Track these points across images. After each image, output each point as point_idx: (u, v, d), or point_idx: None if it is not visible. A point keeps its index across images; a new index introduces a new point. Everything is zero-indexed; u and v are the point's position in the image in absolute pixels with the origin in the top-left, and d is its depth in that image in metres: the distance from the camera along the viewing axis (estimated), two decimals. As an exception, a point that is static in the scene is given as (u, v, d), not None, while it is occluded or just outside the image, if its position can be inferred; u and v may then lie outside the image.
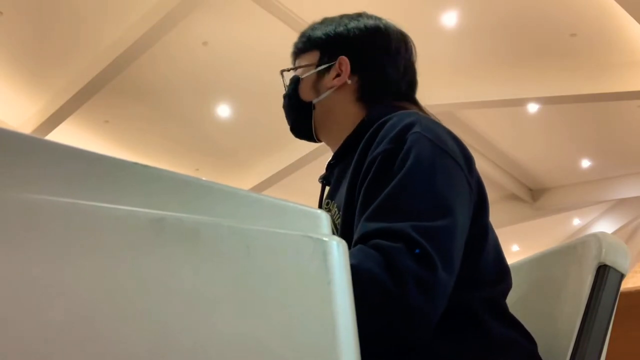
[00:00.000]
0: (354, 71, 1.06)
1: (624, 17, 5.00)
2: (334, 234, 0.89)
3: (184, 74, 5.82)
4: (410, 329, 0.72)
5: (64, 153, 0.37)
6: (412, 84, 1.11)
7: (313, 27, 1.12)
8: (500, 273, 0.92)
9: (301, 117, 1.10)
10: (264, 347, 0.38)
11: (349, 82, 1.05)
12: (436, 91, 5.58)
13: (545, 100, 6.25)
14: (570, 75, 5.92)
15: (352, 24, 1.08)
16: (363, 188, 0.84)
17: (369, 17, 1.10)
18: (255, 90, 6.01)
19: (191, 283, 0.37)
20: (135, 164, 0.39)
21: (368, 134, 0.92)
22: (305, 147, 6.58)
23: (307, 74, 1.09)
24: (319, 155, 6.56)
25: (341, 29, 1.08)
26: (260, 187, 7.34)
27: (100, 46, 5.29)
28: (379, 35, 1.08)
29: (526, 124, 7.04)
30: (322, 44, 1.09)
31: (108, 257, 0.35)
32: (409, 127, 0.86)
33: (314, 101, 1.08)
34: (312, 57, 1.10)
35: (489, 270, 0.90)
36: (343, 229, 0.89)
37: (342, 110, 1.06)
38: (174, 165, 7.12)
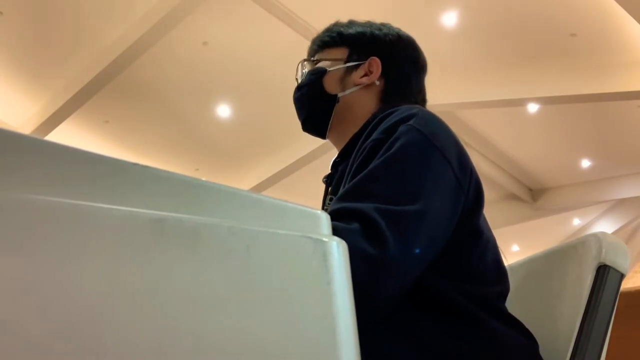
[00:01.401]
0: (381, 74, 1.09)
1: (624, 17, 5.00)
2: None
3: (184, 74, 5.82)
4: (361, 305, 0.71)
5: (64, 153, 0.37)
6: (424, 102, 1.16)
7: (343, 25, 1.14)
8: (499, 275, 0.92)
9: (320, 108, 1.10)
10: (264, 347, 0.38)
11: (377, 83, 1.08)
12: (436, 91, 5.56)
13: (545, 100, 6.25)
14: (570, 75, 5.92)
15: (386, 30, 1.13)
16: (349, 177, 0.86)
17: (394, 28, 1.16)
18: (255, 90, 6.01)
19: (191, 283, 0.37)
20: (136, 164, 0.39)
21: (371, 125, 0.93)
22: (306, 147, 6.58)
23: (335, 67, 1.10)
24: (319, 156, 6.56)
25: (377, 32, 1.12)
26: (260, 187, 7.34)
27: (101, 46, 5.29)
28: (411, 47, 1.14)
29: (526, 124, 7.03)
30: (354, 42, 1.11)
31: (108, 257, 0.35)
32: (405, 119, 0.87)
33: (340, 94, 1.08)
34: (341, 52, 1.11)
35: (487, 270, 0.90)
36: None
37: (363, 109, 1.07)
38: (174, 165, 7.12)
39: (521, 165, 8.07)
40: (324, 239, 0.42)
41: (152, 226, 0.37)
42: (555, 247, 1.02)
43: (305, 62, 1.15)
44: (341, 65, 1.10)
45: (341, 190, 0.93)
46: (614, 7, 4.84)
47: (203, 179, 0.42)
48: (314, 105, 1.11)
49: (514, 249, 10.39)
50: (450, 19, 5.32)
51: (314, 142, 6.25)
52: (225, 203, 0.41)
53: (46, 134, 6.04)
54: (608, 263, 0.87)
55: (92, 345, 0.34)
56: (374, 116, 1.00)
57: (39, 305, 0.33)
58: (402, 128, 0.85)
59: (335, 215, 0.75)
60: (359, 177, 0.80)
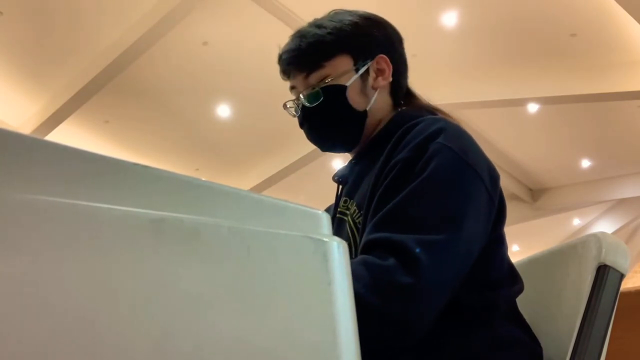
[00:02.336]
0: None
1: (624, 17, 5.00)
2: (353, 233, 0.90)
3: (184, 74, 5.82)
4: (398, 339, 0.75)
5: (64, 153, 0.37)
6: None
7: (319, 33, 1.00)
8: (514, 276, 0.94)
9: (353, 129, 1.00)
10: (264, 348, 0.38)
11: (390, 79, 1.02)
12: (436, 91, 5.56)
13: (545, 100, 6.25)
14: (570, 75, 5.92)
15: (373, 19, 1.03)
16: (378, 193, 0.84)
17: (362, 13, 1.05)
18: (255, 90, 6.01)
19: (191, 284, 0.37)
20: (136, 164, 0.39)
21: (396, 135, 0.91)
22: (306, 147, 6.57)
23: (351, 80, 0.98)
24: (319, 156, 6.56)
25: (370, 27, 1.02)
26: (260, 187, 7.34)
27: (100, 46, 5.29)
28: (400, 43, 1.06)
29: (526, 124, 7.03)
30: (353, 45, 1.00)
31: (108, 257, 0.35)
32: (435, 135, 0.85)
33: (368, 108, 0.99)
34: (344, 62, 0.99)
35: (505, 273, 0.91)
36: (364, 230, 0.88)
37: (381, 109, 1.02)
38: (174, 165, 7.12)
39: (521, 165, 8.06)
40: (325, 239, 0.42)
41: (152, 226, 0.37)
42: (555, 247, 1.02)
43: (305, 90, 0.99)
44: (355, 76, 0.99)
45: (358, 197, 0.93)
46: (614, 7, 4.84)
47: (203, 179, 0.42)
48: (346, 127, 1.00)
49: (514, 249, 10.39)
50: (450, 19, 5.32)
51: (314, 142, 6.24)
52: (225, 203, 0.41)
53: (46, 134, 6.04)
54: (608, 263, 0.87)
55: (91, 345, 0.34)
56: (395, 122, 0.98)
57: (38, 305, 0.33)
58: (433, 146, 0.84)
59: (371, 245, 0.78)
60: (395, 202, 0.80)
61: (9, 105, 6.02)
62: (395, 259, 0.74)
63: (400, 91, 1.05)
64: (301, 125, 1.03)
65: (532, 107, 6.56)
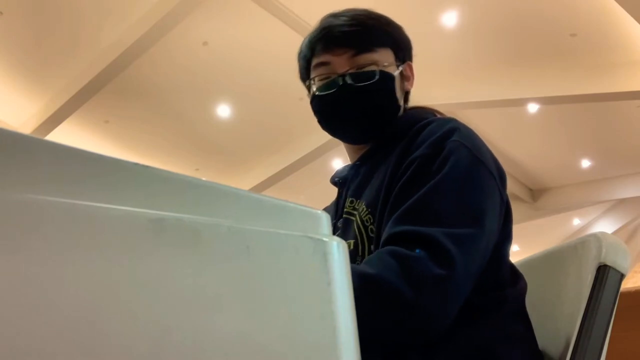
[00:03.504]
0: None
1: (624, 17, 5.00)
2: (361, 232, 0.90)
3: (184, 74, 5.82)
4: (423, 332, 0.76)
5: (64, 153, 0.37)
6: None
7: (380, 21, 1.02)
8: (515, 273, 0.95)
9: (383, 119, 1.00)
10: (264, 348, 0.38)
11: (411, 87, 1.07)
12: (436, 91, 5.58)
13: (545, 100, 6.25)
14: (570, 75, 5.92)
15: (407, 37, 1.07)
16: (396, 189, 0.86)
17: None
18: (255, 90, 6.01)
19: (191, 283, 0.37)
20: (136, 164, 0.39)
21: (408, 136, 0.93)
22: (306, 147, 6.58)
23: (396, 73, 1.01)
24: (318, 156, 6.56)
25: (404, 33, 1.06)
26: (260, 187, 7.35)
27: (100, 46, 5.29)
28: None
29: (526, 124, 7.04)
30: (396, 44, 1.03)
31: (108, 257, 0.35)
32: (449, 133, 0.88)
33: (401, 104, 1.03)
34: (389, 55, 1.01)
35: (506, 273, 0.92)
36: (379, 228, 0.89)
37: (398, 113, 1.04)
38: (174, 165, 7.12)
39: (521, 165, 8.07)
40: (324, 239, 0.42)
41: (152, 226, 0.37)
42: (555, 247, 1.02)
43: (352, 68, 0.97)
44: (397, 71, 1.01)
45: (367, 196, 0.93)
46: (614, 7, 4.84)
47: (203, 179, 0.42)
48: (382, 115, 1.00)
49: (514, 249, 10.39)
50: (450, 19, 5.32)
51: (314, 142, 6.25)
52: (225, 203, 0.41)
53: (46, 134, 6.04)
54: (608, 263, 0.87)
55: (91, 345, 0.34)
56: (403, 124, 0.98)
57: (38, 305, 0.33)
58: (450, 144, 0.86)
59: (396, 238, 0.78)
60: (417, 197, 0.81)
61: (9, 105, 6.02)
62: (424, 251, 0.75)
63: (407, 100, 1.08)
64: (328, 104, 1.00)
65: (532, 107, 6.56)
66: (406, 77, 1.05)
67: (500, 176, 0.90)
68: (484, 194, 0.84)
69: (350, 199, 1.00)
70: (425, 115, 0.99)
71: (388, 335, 0.75)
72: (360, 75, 0.97)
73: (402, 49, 1.04)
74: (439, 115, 1.02)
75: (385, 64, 0.99)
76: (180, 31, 5.09)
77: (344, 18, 1.00)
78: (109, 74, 5.39)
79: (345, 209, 1.00)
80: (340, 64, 0.98)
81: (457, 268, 0.75)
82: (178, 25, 4.96)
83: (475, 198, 0.83)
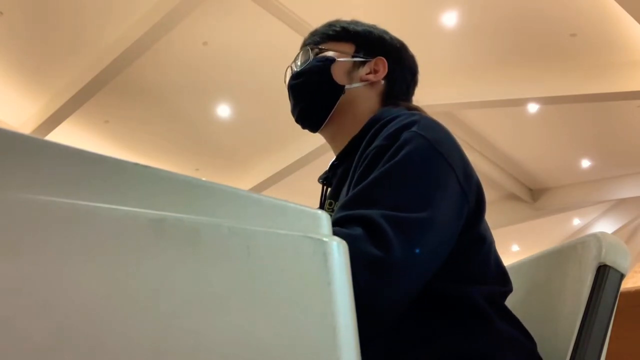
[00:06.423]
0: (385, 75, 1.10)
1: (624, 17, 5.00)
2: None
3: (184, 74, 5.82)
4: (363, 318, 0.71)
5: (64, 153, 0.37)
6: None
7: (347, 22, 1.14)
8: (502, 275, 0.93)
9: (325, 97, 1.07)
10: (264, 348, 0.38)
11: (382, 82, 1.09)
12: (436, 91, 5.58)
13: (545, 100, 6.25)
14: (570, 75, 5.92)
15: (391, 36, 1.14)
16: (353, 182, 0.85)
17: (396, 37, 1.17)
18: (255, 90, 6.02)
19: (191, 283, 0.37)
20: (136, 164, 0.39)
21: (371, 132, 0.92)
22: (306, 147, 6.58)
23: (343, 59, 1.09)
24: (318, 156, 6.56)
25: (384, 34, 1.13)
26: (260, 187, 7.35)
27: (101, 46, 5.29)
28: (409, 57, 1.15)
29: (526, 124, 7.03)
30: (361, 39, 1.11)
31: (108, 257, 0.35)
32: (408, 126, 0.86)
33: (347, 86, 1.07)
34: (347, 47, 1.10)
35: (491, 273, 0.91)
36: None
37: (364, 107, 1.07)
38: (174, 165, 7.12)
39: (521, 165, 8.06)
40: (324, 239, 0.42)
41: (152, 226, 0.37)
42: (555, 247, 1.02)
43: (308, 48, 1.11)
44: (349, 59, 1.09)
45: (342, 198, 0.93)
46: (614, 7, 4.84)
47: (203, 179, 0.42)
48: (319, 93, 1.08)
49: (514, 249, 10.39)
50: (450, 19, 5.32)
51: (314, 142, 6.25)
52: (225, 203, 0.41)
53: (46, 134, 6.04)
54: (608, 263, 0.87)
55: (91, 345, 0.34)
56: (374, 120, 0.99)
57: (38, 305, 0.33)
58: (405, 135, 0.84)
59: (339, 222, 0.75)
60: (363, 184, 0.79)
61: (9, 105, 6.02)
62: (362, 230, 0.71)
63: (391, 98, 1.09)
64: (288, 94, 1.11)
65: (532, 107, 6.56)
66: (372, 71, 1.09)
67: (466, 174, 0.86)
68: (434, 183, 0.80)
69: (329, 200, 1.02)
70: (396, 112, 0.97)
71: None
72: (300, 60, 1.11)
73: (369, 44, 1.10)
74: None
75: (332, 53, 1.09)
76: (180, 31, 5.09)
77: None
78: (109, 74, 5.39)
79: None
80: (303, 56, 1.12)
81: (393, 251, 0.70)
82: (178, 25, 4.96)
83: (422, 186, 0.79)
